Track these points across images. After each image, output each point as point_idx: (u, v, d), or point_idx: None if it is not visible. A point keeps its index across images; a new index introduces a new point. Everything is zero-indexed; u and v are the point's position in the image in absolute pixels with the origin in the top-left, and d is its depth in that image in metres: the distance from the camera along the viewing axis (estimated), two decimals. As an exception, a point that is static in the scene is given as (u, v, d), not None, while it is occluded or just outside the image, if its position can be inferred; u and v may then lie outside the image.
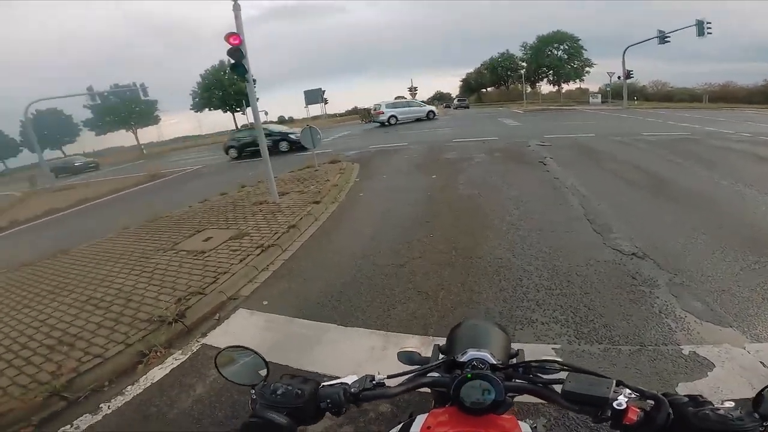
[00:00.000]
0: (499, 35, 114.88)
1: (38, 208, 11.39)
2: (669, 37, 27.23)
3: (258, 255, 4.50)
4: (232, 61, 6.04)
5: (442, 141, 13.75)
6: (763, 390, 0.61)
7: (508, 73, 60.12)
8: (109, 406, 2.31)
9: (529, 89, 52.79)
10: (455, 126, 20.39)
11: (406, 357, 1.04)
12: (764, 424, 0.59)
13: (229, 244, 4.99)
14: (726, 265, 3.43)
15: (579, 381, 0.66)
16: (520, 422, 0.72)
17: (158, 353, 2.78)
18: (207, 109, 46.31)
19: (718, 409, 0.58)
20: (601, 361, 2.36)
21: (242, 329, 3.22)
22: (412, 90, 44.30)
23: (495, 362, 0.76)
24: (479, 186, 6.92)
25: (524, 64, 54.25)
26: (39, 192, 16.61)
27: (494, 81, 63.20)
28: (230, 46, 5.82)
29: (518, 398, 0.87)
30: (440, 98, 70.75)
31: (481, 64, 64.20)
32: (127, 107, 41.95)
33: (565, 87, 54.36)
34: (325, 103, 47.89)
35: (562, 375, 0.71)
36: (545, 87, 56.66)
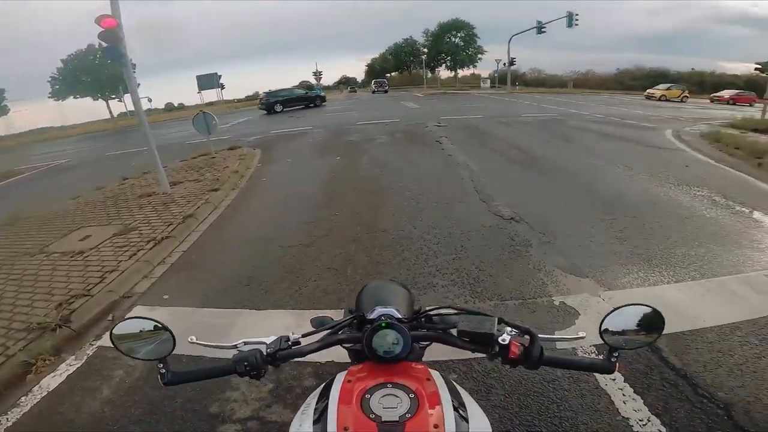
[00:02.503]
0: (405, 20, 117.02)
1: None
2: (545, 27, 30.75)
3: (151, 249, 4.11)
4: (105, 45, 5.31)
5: (346, 124, 13.85)
6: (600, 324, 0.74)
7: (411, 58, 62.28)
8: (7, 418, 2.07)
9: (429, 74, 55.73)
10: (360, 110, 20.60)
11: (318, 322, 1.05)
12: (614, 354, 0.73)
13: (113, 240, 4.45)
14: (581, 224, 4.20)
15: (469, 321, 0.75)
16: (431, 370, 0.77)
17: (46, 361, 2.51)
18: (72, 97, 39.68)
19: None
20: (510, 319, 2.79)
21: None
22: (317, 74, 43.26)
23: (401, 316, 0.80)
24: (381, 166, 7.22)
25: (425, 50, 56.92)
26: None
27: (398, 66, 64.99)
28: (103, 29, 5.11)
29: (430, 356, 0.98)
30: (345, 82, 70.60)
31: (386, 50, 65.54)
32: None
33: (461, 72, 58.27)
34: (222, 88, 44.59)
35: (456, 319, 0.79)
36: (444, 72, 59.82)
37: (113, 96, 40.02)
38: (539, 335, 0.74)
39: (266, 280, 3.39)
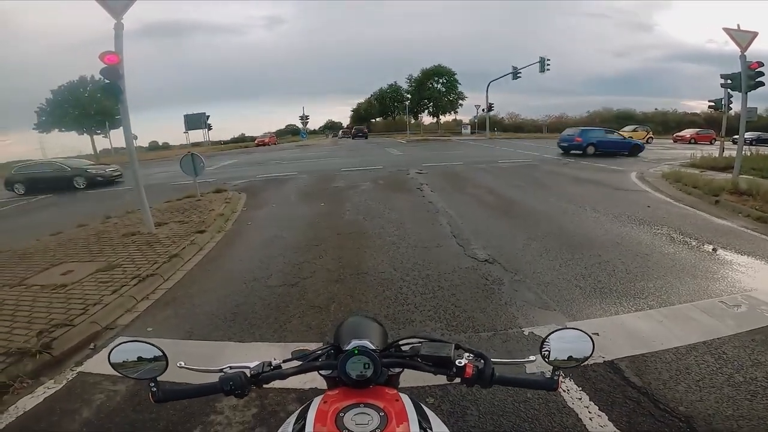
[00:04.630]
0: (389, 66, 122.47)
1: None
2: (520, 73, 32.14)
3: (135, 285, 4.16)
4: (107, 81, 5.57)
5: (331, 170, 14.29)
6: (541, 346, 0.85)
7: (395, 104, 63.38)
8: None
9: (413, 120, 56.99)
10: (344, 156, 21.27)
11: (300, 353, 1.08)
12: (556, 373, 0.84)
13: (96, 276, 4.48)
14: (550, 263, 4.54)
15: (430, 347, 0.86)
16: (401, 393, 0.84)
17: (24, 383, 2.53)
18: (57, 130, 38.85)
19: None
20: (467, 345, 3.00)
21: None
22: (304, 118, 43.97)
23: (374, 348, 0.87)
24: (363, 212, 7.48)
25: (409, 96, 58.05)
26: None
27: (382, 111, 65.82)
28: (105, 65, 5.37)
29: (408, 383, 1.14)
30: (331, 127, 71.78)
31: (371, 95, 66.60)
32: None
33: (443, 118, 59.74)
34: (209, 129, 44.75)
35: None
36: (426, 118, 61.32)
37: (99, 131, 39.53)
38: (493, 359, 0.85)
39: (252, 316, 3.49)
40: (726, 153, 12.45)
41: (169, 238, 5.89)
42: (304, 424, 0.75)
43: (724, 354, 2.65)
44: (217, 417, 2.18)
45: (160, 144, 57.84)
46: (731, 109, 12.93)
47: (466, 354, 0.86)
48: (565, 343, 0.84)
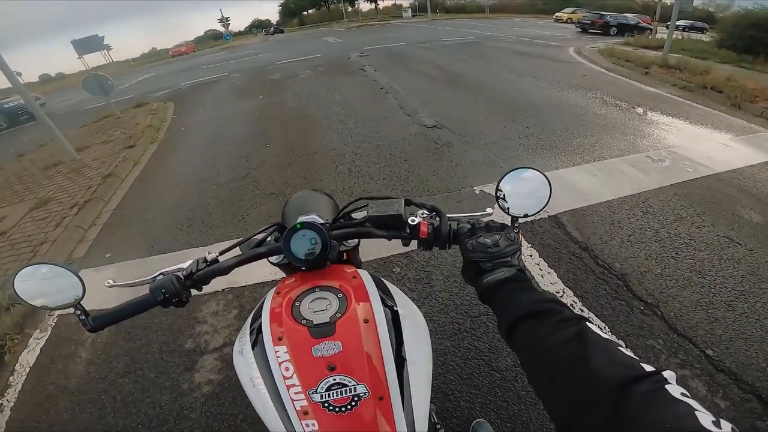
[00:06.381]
0: None
1: None
2: None
3: (76, 214, 3.88)
4: None
5: (264, 65, 13.00)
6: (496, 191, 0.73)
7: None
8: (7, 399, 2.02)
9: (349, 8, 52.12)
10: (277, 50, 19.18)
11: (241, 241, 0.97)
12: (515, 225, 0.70)
13: (32, 215, 4.10)
14: (494, 125, 4.63)
15: (378, 206, 0.74)
16: (359, 270, 0.76)
17: (14, 339, 2.43)
18: None
19: (480, 237, 0.65)
20: (418, 200, 3.12)
21: (93, 289, 2.86)
22: (224, 21, 38.98)
23: (323, 222, 0.76)
24: (306, 98, 7.09)
25: None
26: None
27: (315, 2, 60.41)
28: None
29: (369, 256, 1.01)
30: (258, 26, 66.16)
31: None
32: None
33: (381, 3, 55.57)
34: (108, 49, 38.23)
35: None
36: (364, 4, 56.71)
37: None
38: (448, 214, 0.74)
39: (208, 217, 3.39)
40: (658, 36, 12.41)
41: (97, 160, 5.36)
42: (260, 323, 0.67)
43: (651, 207, 2.84)
44: (203, 327, 2.20)
45: (53, 75, 50.63)
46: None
47: (420, 212, 0.74)
48: (521, 188, 0.72)
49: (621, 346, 0.44)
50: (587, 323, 0.48)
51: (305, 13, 62.38)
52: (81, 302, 0.70)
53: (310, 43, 19.84)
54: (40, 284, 0.69)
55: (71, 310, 0.70)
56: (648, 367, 0.39)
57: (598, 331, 0.46)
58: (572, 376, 0.42)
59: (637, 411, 0.35)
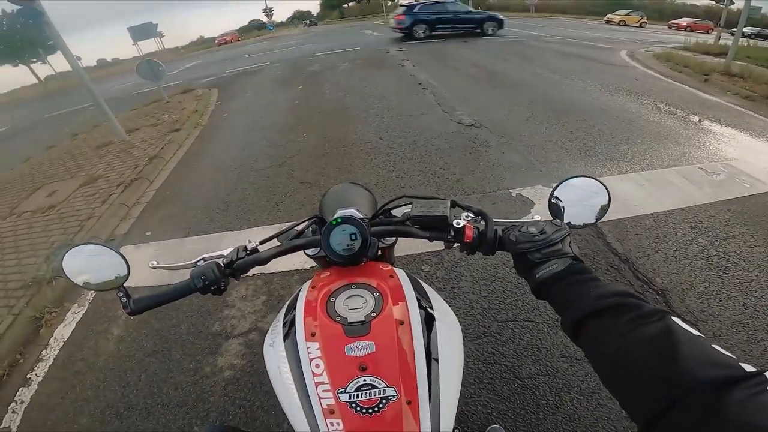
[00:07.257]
0: None
1: None
2: None
3: (122, 192, 4.09)
4: (19, 7, 4.70)
5: (305, 56, 13.15)
6: (549, 201, 0.73)
7: None
8: (36, 374, 2.12)
9: (389, 2, 51.90)
10: (318, 41, 19.39)
11: (280, 233, 0.97)
12: (556, 224, 0.64)
13: (81, 191, 4.37)
14: (536, 127, 4.46)
15: (422, 206, 0.72)
16: (396, 268, 0.74)
17: (52, 313, 2.53)
18: None
19: (524, 227, 0.64)
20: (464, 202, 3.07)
21: (133, 266, 3.01)
22: (268, 11, 39.94)
23: (362, 216, 0.76)
24: (344, 89, 7.13)
25: None
26: None
27: None
28: None
29: (401, 252, 1.00)
30: (300, 17, 67.85)
31: None
32: None
33: None
34: (161, 36, 40.28)
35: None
36: None
37: (35, 59, 35.55)
38: (494, 219, 0.72)
39: (244, 202, 3.48)
40: (722, 42, 11.50)
41: (145, 142, 5.64)
42: (294, 315, 0.67)
43: (700, 223, 2.65)
44: (231, 311, 2.24)
45: (109, 61, 53.70)
46: (733, 2, 12.18)
47: (465, 214, 0.72)
48: (577, 196, 0.70)
49: (715, 344, 0.40)
50: (672, 318, 0.44)
51: (345, 5, 62.68)
52: (123, 285, 0.71)
53: (349, 36, 19.92)
54: (86, 262, 0.70)
55: (114, 291, 0.71)
56: (748, 368, 0.36)
57: (687, 327, 0.42)
58: (660, 376, 0.39)
59: (736, 414, 0.32)
